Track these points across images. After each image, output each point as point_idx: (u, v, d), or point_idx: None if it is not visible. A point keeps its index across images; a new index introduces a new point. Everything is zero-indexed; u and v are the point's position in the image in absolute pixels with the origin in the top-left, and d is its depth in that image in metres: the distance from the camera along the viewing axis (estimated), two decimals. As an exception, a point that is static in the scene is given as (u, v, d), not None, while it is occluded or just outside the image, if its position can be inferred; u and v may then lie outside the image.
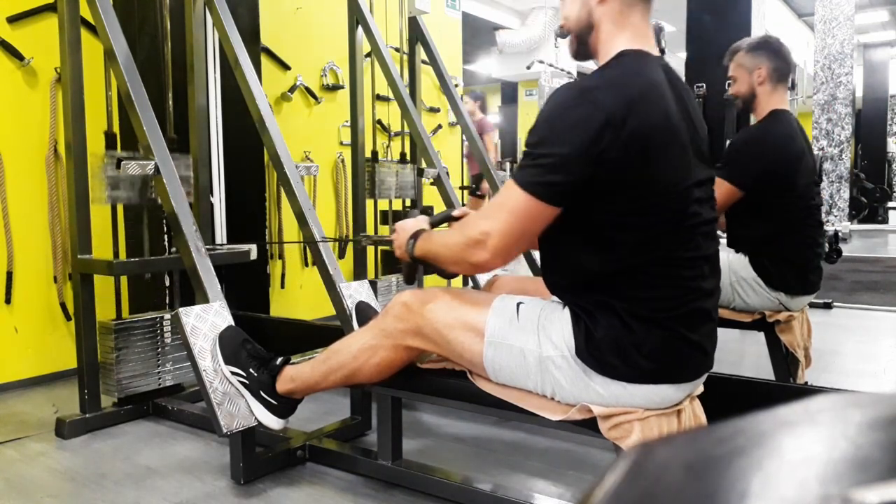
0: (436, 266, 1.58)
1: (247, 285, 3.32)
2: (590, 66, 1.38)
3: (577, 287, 1.34)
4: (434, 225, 1.60)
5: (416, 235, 1.50)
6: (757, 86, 2.22)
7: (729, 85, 2.31)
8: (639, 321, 1.27)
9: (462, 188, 6.19)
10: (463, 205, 4.97)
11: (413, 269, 1.63)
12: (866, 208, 10.87)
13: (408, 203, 3.43)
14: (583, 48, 1.43)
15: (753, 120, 2.36)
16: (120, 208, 2.50)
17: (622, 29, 1.36)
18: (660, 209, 1.28)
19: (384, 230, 3.63)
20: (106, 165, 2.18)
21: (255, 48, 3.27)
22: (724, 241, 2.23)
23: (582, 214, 1.29)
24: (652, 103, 1.27)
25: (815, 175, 2.27)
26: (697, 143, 1.37)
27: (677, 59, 8.05)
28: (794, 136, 2.18)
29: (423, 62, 3.45)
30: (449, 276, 1.70)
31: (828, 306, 4.22)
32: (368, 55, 3.13)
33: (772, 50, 2.22)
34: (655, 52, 1.38)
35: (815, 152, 6.82)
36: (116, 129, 2.57)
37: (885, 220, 11.31)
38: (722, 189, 2.07)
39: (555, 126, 1.26)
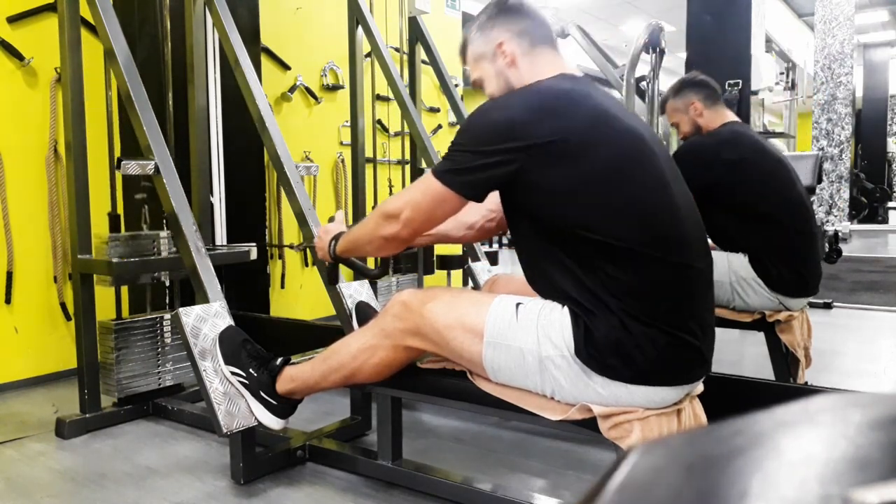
0: (356, 263, 1.72)
1: (247, 285, 3.32)
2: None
3: (556, 292, 1.36)
4: None
5: (336, 237, 1.63)
6: (697, 118, 2.32)
7: (676, 131, 2.42)
8: (639, 324, 1.27)
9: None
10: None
11: (335, 269, 1.81)
12: (866, 208, 10.87)
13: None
14: None
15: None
16: (120, 208, 2.50)
17: (538, 73, 1.43)
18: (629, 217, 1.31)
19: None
20: (110, 247, 2.23)
21: (255, 48, 3.27)
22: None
23: (554, 220, 1.32)
24: (566, 108, 1.33)
25: (793, 181, 2.22)
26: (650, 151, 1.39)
27: (677, 60, 8.05)
28: (735, 143, 2.19)
29: (423, 62, 3.45)
30: (370, 275, 1.79)
31: (828, 306, 4.22)
32: (368, 55, 3.13)
33: (693, 83, 2.35)
34: (572, 72, 1.46)
35: (815, 152, 6.82)
36: (116, 129, 2.57)
37: (885, 220, 11.32)
38: None
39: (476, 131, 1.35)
